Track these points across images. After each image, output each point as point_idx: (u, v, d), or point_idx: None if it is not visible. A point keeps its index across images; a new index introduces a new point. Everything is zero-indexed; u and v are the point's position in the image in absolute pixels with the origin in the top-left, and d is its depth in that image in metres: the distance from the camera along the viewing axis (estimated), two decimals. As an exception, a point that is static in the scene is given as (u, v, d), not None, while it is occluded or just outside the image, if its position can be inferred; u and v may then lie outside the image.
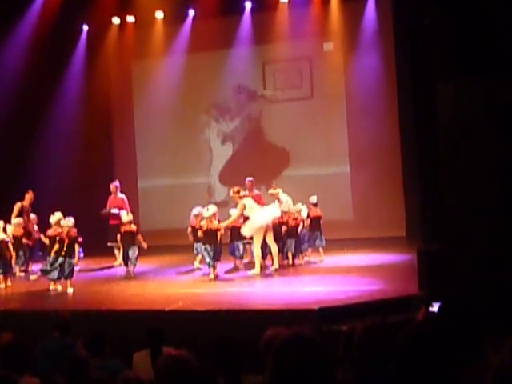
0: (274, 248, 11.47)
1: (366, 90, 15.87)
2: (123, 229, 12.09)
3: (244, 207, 11.45)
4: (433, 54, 9.12)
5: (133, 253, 11.81)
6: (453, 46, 8.35)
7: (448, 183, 8.15)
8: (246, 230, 11.45)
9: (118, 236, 12.15)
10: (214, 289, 10.20)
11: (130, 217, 12.34)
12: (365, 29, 15.85)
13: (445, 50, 8.50)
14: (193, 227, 12.14)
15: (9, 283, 11.72)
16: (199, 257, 12.14)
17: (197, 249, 12.08)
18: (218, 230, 11.29)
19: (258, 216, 11.39)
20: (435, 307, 6.96)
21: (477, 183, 7.82)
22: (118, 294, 10.35)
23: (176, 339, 6.32)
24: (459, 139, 7.99)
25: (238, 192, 11.61)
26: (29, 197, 13.52)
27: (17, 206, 13.31)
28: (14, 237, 12.44)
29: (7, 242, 11.96)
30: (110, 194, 14.15)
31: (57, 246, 10.79)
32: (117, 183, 14.17)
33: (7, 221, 13.02)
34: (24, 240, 12.77)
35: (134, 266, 11.94)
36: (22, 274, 12.83)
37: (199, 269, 12.12)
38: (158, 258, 13.74)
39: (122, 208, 13.71)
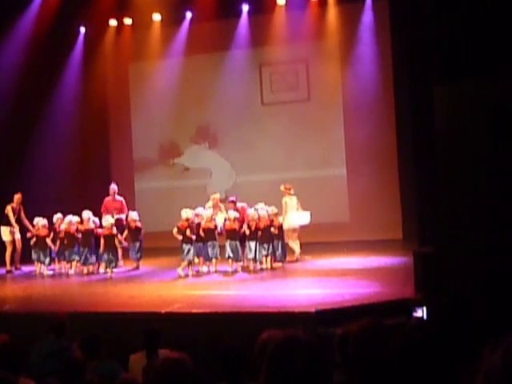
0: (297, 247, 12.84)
1: (363, 93, 15.89)
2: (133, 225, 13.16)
3: (285, 203, 12.76)
4: (430, 56, 9.13)
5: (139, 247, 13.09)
6: (450, 48, 8.35)
7: (444, 185, 8.15)
8: (285, 224, 12.56)
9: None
10: (210, 291, 10.19)
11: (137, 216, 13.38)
12: (362, 31, 15.87)
13: (442, 52, 8.51)
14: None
15: None
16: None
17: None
18: (216, 228, 12.12)
19: (291, 217, 12.72)
20: (419, 313, 6.97)
21: (473, 186, 7.82)
22: (115, 295, 10.33)
23: (172, 341, 6.31)
24: (456, 141, 7.99)
25: (290, 189, 12.99)
26: (17, 197, 13.81)
27: (8, 210, 13.70)
28: (38, 237, 13.27)
29: None
30: (106, 195, 14.23)
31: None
32: (115, 186, 14.23)
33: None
34: (48, 241, 13.26)
35: (139, 259, 13.10)
36: (50, 272, 13.28)
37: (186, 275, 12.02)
38: (154, 259, 13.74)
39: (121, 211, 13.82)
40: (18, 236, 13.79)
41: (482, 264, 7.56)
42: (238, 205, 12.96)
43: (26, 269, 13.75)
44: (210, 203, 13.17)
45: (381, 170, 15.59)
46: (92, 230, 13.03)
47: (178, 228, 12.12)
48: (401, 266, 10.96)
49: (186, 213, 12.20)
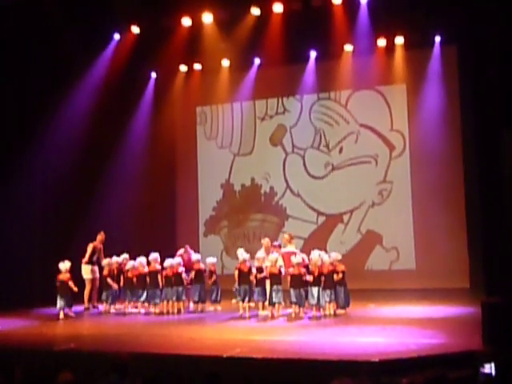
0: None
1: (430, 137, 15.78)
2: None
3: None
4: (497, 101, 9.01)
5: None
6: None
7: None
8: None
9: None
10: (272, 336, 10.11)
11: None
12: (430, 76, 15.80)
13: (509, 97, 8.39)
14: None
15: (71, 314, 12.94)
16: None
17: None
18: (280, 273, 12.14)
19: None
20: (487, 368, 6.72)
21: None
22: (177, 337, 10.36)
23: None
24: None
25: (292, 238, 13.64)
26: (100, 238, 14.36)
27: (89, 247, 14.15)
28: (103, 276, 13.71)
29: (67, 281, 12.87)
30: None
31: None
32: (190, 250, 14.29)
33: (80, 260, 13.93)
34: (109, 280, 13.57)
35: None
36: (113, 311, 13.64)
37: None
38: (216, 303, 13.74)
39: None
40: (97, 275, 14.11)
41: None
42: (288, 250, 13.06)
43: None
44: (262, 249, 13.24)
45: (447, 217, 15.32)
46: (158, 270, 13.23)
47: (240, 270, 12.29)
48: (468, 317, 10.69)
49: (242, 255, 12.52)
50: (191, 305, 13.50)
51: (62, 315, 12.82)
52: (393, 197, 16.32)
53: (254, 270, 12.33)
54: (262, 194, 17.69)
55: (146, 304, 13.38)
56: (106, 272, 13.62)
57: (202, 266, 13.37)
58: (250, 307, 12.36)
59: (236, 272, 12.46)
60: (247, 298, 12.27)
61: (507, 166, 7.98)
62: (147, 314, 13.23)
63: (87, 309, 14.01)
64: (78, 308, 13.83)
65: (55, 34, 14.60)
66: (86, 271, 14.09)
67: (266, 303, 12.24)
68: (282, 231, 17.09)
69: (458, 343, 8.72)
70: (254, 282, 12.28)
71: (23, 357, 9.09)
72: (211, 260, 13.39)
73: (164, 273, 13.20)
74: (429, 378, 3.25)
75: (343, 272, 12.01)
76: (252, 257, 12.88)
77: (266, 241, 13.49)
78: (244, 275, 12.34)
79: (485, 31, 11.00)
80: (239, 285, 12.33)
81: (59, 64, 15.00)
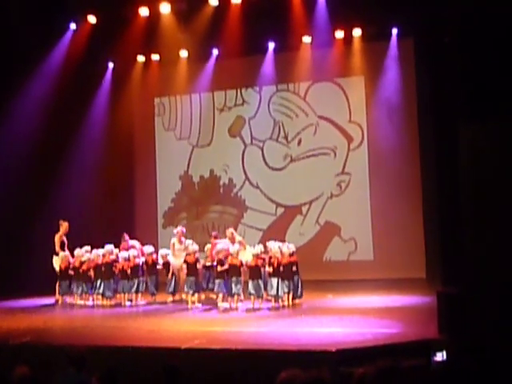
0: None
1: (387, 129, 15.90)
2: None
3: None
4: (456, 95, 9.11)
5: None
6: (476, 87, 8.33)
7: (469, 225, 8.08)
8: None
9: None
10: (230, 327, 10.13)
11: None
12: (387, 69, 15.93)
13: (468, 91, 8.48)
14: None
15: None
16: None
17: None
18: (241, 265, 12.07)
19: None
20: (438, 356, 6.83)
21: (498, 226, 7.73)
22: (135, 330, 10.30)
23: (191, 377, 6.25)
24: (481, 182, 7.94)
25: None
26: (63, 228, 14.03)
27: (56, 238, 13.89)
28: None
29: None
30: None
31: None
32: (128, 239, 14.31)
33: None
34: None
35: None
36: (81, 303, 13.56)
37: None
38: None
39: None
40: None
41: (509, 305, 7.43)
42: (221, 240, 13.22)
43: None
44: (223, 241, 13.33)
45: (404, 208, 15.51)
46: (113, 262, 13.15)
47: (187, 262, 12.53)
48: (424, 306, 10.84)
49: (193, 246, 12.68)
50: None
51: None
52: (351, 188, 16.44)
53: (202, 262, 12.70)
54: (221, 186, 17.67)
55: (102, 296, 13.28)
56: (77, 264, 13.50)
57: (154, 257, 13.41)
58: (199, 300, 12.57)
59: (184, 265, 12.60)
60: (196, 290, 12.40)
61: (463, 158, 8.08)
62: (103, 306, 13.15)
63: (58, 301, 13.79)
64: (50, 300, 13.69)
65: (11, 23, 14.33)
66: (57, 262, 13.87)
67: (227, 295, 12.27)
68: (241, 223, 17.14)
69: (415, 332, 8.84)
70: (215, 273, 12.34)
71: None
72: (164, 252, 13.37)
73: (119, 265, 13.12)
74: (381, 368, 3.27)
75: (297, 262, 12.13)
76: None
77: (229, 231, 13.51)
78: (191, 267, 12.43)
79: (441, 24, 11.11)
80: (187, 276, 12.46)
81: (15, 54, 14.73)
